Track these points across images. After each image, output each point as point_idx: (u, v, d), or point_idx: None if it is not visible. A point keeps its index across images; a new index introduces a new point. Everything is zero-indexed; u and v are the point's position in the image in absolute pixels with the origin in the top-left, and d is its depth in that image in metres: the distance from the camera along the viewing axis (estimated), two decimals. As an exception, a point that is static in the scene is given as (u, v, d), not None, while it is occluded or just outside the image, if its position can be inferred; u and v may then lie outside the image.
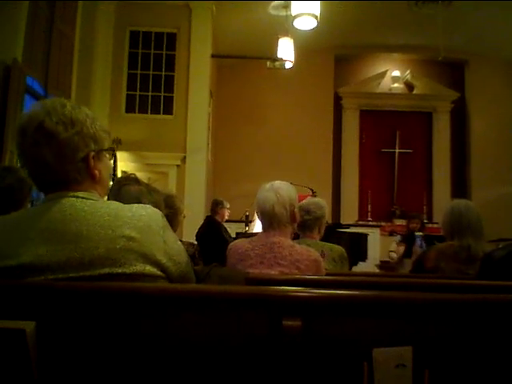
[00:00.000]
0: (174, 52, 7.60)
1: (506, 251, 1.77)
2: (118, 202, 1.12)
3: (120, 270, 1.02)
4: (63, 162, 1.08)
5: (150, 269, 1.06)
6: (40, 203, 1.12)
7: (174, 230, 1.30)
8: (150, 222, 1.08)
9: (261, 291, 1.07)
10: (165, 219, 1.14)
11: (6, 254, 1.01)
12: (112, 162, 1.23)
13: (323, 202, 2.82)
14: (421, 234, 4.08)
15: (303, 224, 2.66)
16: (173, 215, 2.33)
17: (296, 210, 2.09)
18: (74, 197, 1.08)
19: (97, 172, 1.13)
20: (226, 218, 5.78)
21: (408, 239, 5.22)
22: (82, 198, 1.09)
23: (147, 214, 1.10)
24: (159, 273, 1.08)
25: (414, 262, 3.25)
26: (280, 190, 2.05)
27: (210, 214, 5.70)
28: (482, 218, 2.48)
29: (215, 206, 5.61)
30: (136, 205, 1.13)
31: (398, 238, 5.88)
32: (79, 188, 1.11)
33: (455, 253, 2.41)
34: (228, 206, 5.74)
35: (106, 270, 1.01)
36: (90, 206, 1.07)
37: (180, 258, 1.15)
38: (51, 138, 1.06)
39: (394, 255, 5.63)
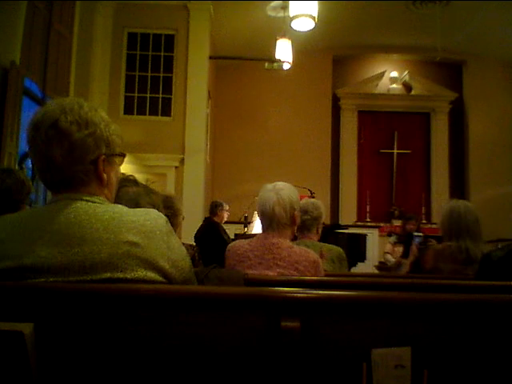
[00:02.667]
0: (172, 53, 7.59)
1: (505, 252, 1.77)
2: (122, 206, 1.11)
3: (121, 275, 1.01)
4: (72, 163, 1.07)
5: (151, 275, 1.05)
6: (45, 204, 1.11)
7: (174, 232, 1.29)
8: (154, 228, 1.07)
9: (259, 292, 1.07)
10: (169, 224, 1.13)
11: (8, 255, 1.01)
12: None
13: (320, 203, 2.84)
14: (421, 234, 4.06)
15: (302, 224, 2.66)
16: (172, 216, 2.32)
17: (296, 212, 2.09)
18: (79, 199, 1.07)
19: (105, 176, 1.12)
20: (225, 219, 5.78)
21: (405, 241, 5.17)
22: (87, 201, 1.08)
23: (151, 219, 1.09)
24: (161, 279, 1.07)
25: (411, 262, 3.25)
26: (281, 191, 2.06)
27: (208, 215, 5.69)
28: (480, 220, 2.48)
29: (215, 207, 5.60)
30: (140, 209, 1.12)
31: (393, 238, 5.74)
32: (85, 190, 1.10)
33: (453, 254, 2.42)
34: (227, 207, 5.73)
35: (107, 275, 1.00)
36: (95, 210, 1.06)
37: (183, 264, 1.14)
38: (63, 137, 1.06)
39: (390, 257, 5.52)
